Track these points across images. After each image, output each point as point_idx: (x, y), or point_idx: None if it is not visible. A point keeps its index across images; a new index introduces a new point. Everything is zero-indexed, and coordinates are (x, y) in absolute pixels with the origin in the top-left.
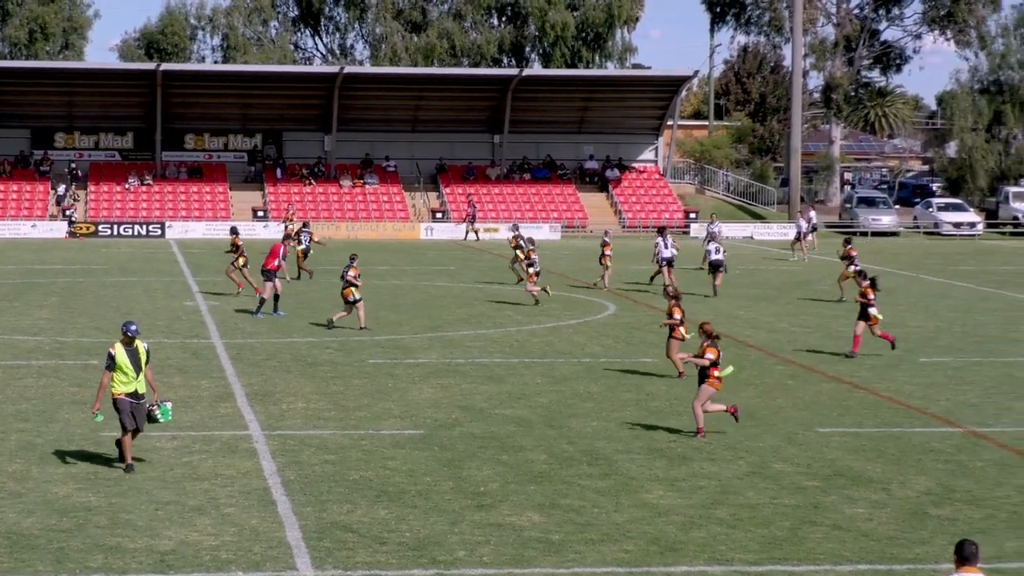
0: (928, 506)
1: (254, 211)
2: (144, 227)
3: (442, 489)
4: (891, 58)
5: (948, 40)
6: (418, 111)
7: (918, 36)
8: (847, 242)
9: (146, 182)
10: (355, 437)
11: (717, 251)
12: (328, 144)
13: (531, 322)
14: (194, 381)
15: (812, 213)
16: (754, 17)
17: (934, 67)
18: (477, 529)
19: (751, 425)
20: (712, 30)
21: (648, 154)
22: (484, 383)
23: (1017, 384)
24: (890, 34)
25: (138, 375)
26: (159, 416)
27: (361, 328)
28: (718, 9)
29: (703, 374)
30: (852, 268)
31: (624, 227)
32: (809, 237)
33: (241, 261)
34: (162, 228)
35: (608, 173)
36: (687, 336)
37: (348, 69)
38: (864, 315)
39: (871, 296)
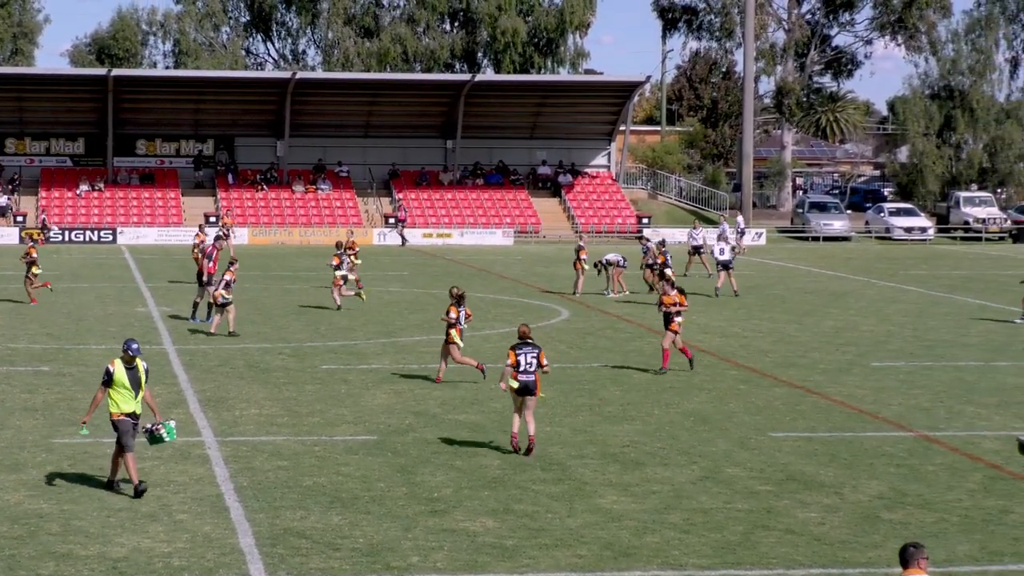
0: (880, 510)
1: (206, 217)
2: (96, 233)
3: (396, 495)
4: (842, 63)
5: (899, 46)
6: (371, 116)
7: (869, 42)
8: (662, 244)
9: (97, 188)
10: (308, 443)
11: (722, 252)
12: (280, 149)
13: (484, 328)
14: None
15: (740, 219)
16: (706, 23)
17: (885, 72)
18: (431, 535)
19: (704, 430)
20: (664, 36)
21: (601, 159)
22: (437, 388)
23: (968, 388)
24: (841, 39)
25: (137, 395)
26: (164, 436)
27: (230, 333)
28: (670, 15)
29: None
30: (668, 271)
31: (577, 232)
32: (742, 241)
33: (35, 270)
34: (114, 234)
35: (561, 178)
36: (459, 341)
37: (300, 74)
38: (668, 324)
39: (685, 304)
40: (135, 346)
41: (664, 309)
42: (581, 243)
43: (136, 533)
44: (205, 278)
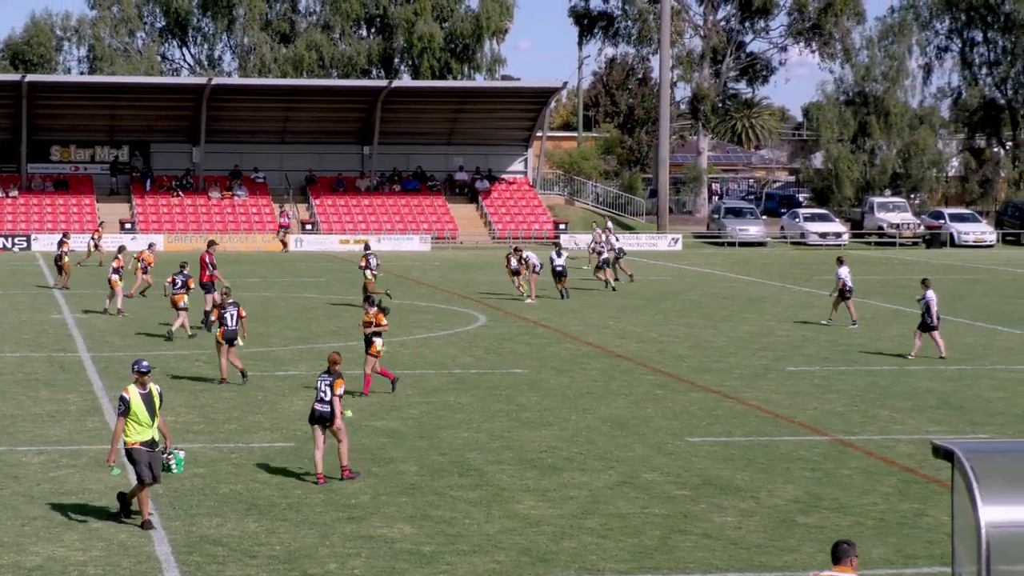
0: (796, 514)
1: (121, 223)
2: (9, 240)
3: (313, 502)
4: (757, 70)
5: (813, 52)
6: (287, 122)
7: (784, 48)
8: (367, 247)
9: (11, 194)
10: (225, 450)
11: (601, 252)
12: (196, 155)
13: (402, 333)
14: (61, 395)
15: (610, 224)
16: (622, 29)
17: (800, 79)
18: (348, 541)
19: (621, 435)
20: (580, 42)
21: (518, 165)
22: (354, 395)
23: (882, 392)
24: (756, 46)
25: (153, 422)
26: (173, 466)
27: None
28: (586, 21)
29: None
30: (370, 274)
31: (494, 238)
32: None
33: None
34: (28, 241)
35: (478, 184)
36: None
37: (216, 80)
38: (368, 345)
39: (383, 323)
40: (145, 364)
41: (366, 329)
42: (518, 249)
43: (51, 542)
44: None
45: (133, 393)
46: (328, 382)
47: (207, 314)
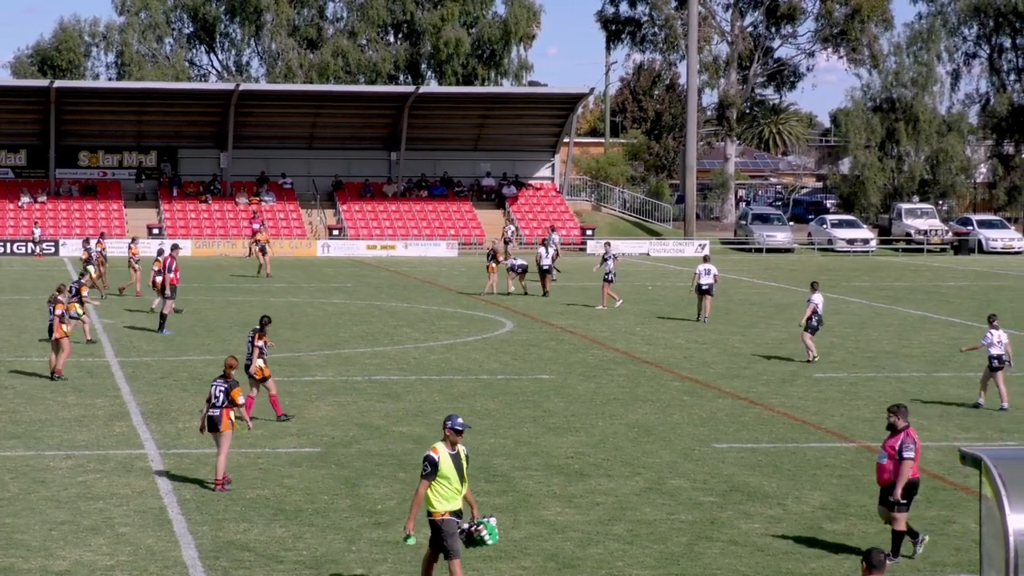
0: (823, 521)
1: (149, 228)
2: (38, 245)
3: (339, 507)
4: (785, 76)
5: (841, 58)
6: (314, 128)
7: (811, 54)
8: (134, 240)
9: (39, 200)
10: (252, 455)
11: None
12: (224, 161)
13: (428, 339)
14: (89, 400)
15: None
16: (649, 35)
17: (827, 85)
18: (375, 547)
19: (648, 441)
20: (608, 48)
21: (545, 171)
22: (381, 400)
23: (910, 399)
24: (784, 52)
25: (462, 487)
26: (487, 538)
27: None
28: (613, 27)
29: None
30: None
31: (521, 244)
32: None
33: None
34: (56, 246)
35: (505, 190)
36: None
37: (244, 86)
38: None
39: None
40: (460, 421)
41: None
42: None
43: (78, 546)
44: (168, 291)
45: (442, 453)
46: (223, 387)
47: (163, 318)
